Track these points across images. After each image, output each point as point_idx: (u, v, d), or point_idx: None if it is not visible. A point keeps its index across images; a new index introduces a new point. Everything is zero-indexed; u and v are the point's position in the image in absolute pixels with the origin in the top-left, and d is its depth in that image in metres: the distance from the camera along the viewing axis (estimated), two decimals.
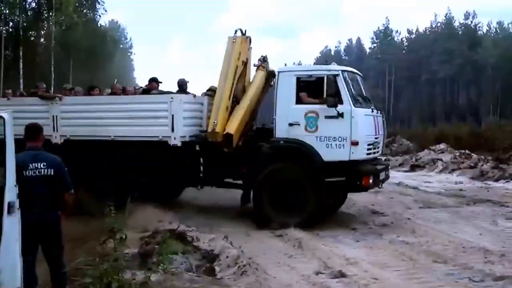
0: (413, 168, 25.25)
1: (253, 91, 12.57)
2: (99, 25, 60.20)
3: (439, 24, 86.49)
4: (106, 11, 57.42)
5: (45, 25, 48.86)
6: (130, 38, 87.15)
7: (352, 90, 11.50)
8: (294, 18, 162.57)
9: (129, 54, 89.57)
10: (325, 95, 11.26)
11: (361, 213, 13.27)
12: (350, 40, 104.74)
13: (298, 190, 11.39)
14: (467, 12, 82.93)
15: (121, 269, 6.19)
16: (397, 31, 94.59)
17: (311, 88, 11.64)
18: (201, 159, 12.48)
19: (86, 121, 12.93)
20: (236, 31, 12.51)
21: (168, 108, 12.05)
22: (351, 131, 11.08)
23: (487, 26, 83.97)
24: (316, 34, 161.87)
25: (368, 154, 11.54)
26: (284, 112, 11.62)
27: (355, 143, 11.09)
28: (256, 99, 12.71)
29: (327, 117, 11.22)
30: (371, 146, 11.64)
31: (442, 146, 27.77)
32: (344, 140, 11.13)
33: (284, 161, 11.67)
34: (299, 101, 11.57)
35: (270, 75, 12.92)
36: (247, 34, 12.63)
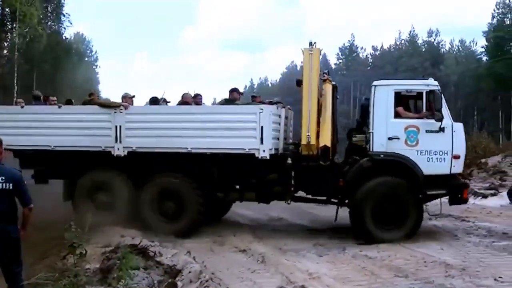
0: None
1: (329, 104, 12.35)
2: (64, 37, 59.67)
3: (403, 41, 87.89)
4: (71, 23, 57.12)
5: (9, 36, 48.19)
6: (96, 51, 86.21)
7: None
8: (260, 33, 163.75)
9: (94, 67, 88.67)
10: (424, 110, 11.61)
11: (325, 227, 13.27)
12: None
13: (400, 204, 11.44)
14: (430, 30, 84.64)
15: (81, 285, 6.09)
16: (362, 47, 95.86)
17: (403, 102, 11.91)
18: (293, 172, 12.06)
19: (157, 131, 12.24)
20: (311, 43, 12.45)
21: (257, 120, 11.69)
22: (452, 145, 11.38)
23: (450, 44, 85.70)
24: (282, 49, 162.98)
25: None
26: (382, 126, 11.63)
27: (457, 157, 11.44)
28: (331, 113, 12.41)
29: (427, 131, 11.43)
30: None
31: None
32: (445, 154, 11.39)
33: (384, 175, 11.57)
34: (396, 115, 11.65)
35: (334, 89, 13.02)
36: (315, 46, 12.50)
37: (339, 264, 9.48)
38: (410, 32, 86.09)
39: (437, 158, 11.40)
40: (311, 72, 12.22)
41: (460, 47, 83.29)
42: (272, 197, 12.57)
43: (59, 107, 13.08)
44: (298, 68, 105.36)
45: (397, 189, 11.51)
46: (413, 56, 79.28)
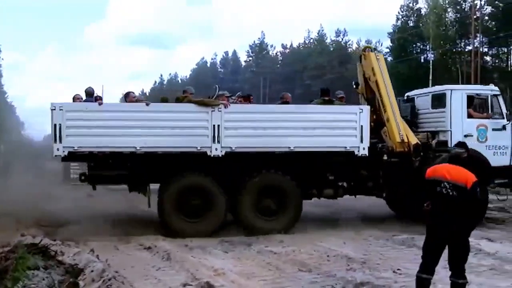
0: None
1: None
2: None
3: (312, 40, 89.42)
4: None
5: None
6: None
7: None
8: (170, 29, 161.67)
9: None
10: (489, 111, 13.70)
11: (231, 224, 13.22)
12: (226, 52, 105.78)
13: None
14: (338, 30, 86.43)
15: None
16: (272, 45, 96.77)
17: (470, 104, 13.70)
18: (381, 169, 13.06)
19: (257, 131, 12.08)
20: (368, 48, 14.58)
21: (357, 119, 12.37)
22: (511, 141, 13.61)
23: (357, 43, 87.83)
24: (193, 46, 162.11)
25: None
26: (459, 125, 13.46)
27: None
28: None
29: (493, 129, 13.58)
30: None
31: None
32: (506, 148, 13.66)
33: None
34: (469, 115, 13.57)
35: None
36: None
37: (244, 260, 9.56)
38: (319, 31, 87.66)
39: (500, 152, 13.62)
40: (384, 76, 13.56)
41: None
42: (365, 192, 13.44)
43: (147, 104, 12.27)
44: (208, 64, 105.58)
45: None
46: (321, 55, 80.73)
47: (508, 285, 7.86)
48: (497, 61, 60.08)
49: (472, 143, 12.33)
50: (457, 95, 13.69)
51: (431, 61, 56.58)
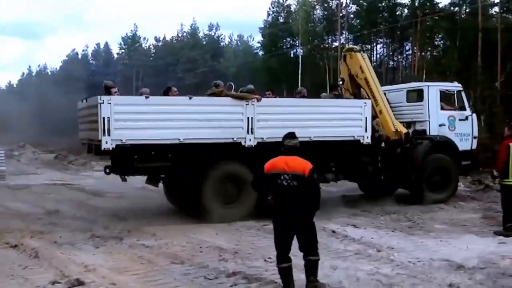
0: None
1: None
2: None
3: (185, 34, 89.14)
4: None
5: None
6: None
7: None
8: (40, 19, 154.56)
9: None
10: (456, 104, 16.21)
11: (103, 219, 13.08)
12: (98, 44, 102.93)
13: (446, 172, 15.44)
14: (211, 23, 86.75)
15: None
16: (145, 38, 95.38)
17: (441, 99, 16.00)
18: (380, 155, 14.92)
19: (284, 122, 12.73)
20: (351, 49, 16.54)
21: (362, 111, 14.09)
22: (472, 129, 16.30)
23: (229, 38, 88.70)
24: (64, 37, 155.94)
25: None
26: (434, 116, 15.79)
27: (475, 137, 16.46)
28: None
29: (460, 119, 16.07)
30: None
31: None
32: (469, 136, 16.24)
33: (437, 152, 15.59)
34: (441, 108, 15.89)
35: None
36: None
37: (116, 255, 9.39)
38: (192, 25, 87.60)
39: (465, 139, 16.14)
40: (371, 72, 15.64)
41: (238, 42, 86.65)
42: (365, 176, 15.18)
43: (190, 98, 12.60)
44: (80, 56, 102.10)
45: (445, 161, 15.65)
46: (194, 48, 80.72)
47: (371, 268, 8.29)
48: None
49: (445, 132, 15.83)
50: (433, 90, 15.95)
51: (300, 56, 58.23)
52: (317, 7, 61.31)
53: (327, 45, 60.59)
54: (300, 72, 53.63)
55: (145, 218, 12.87)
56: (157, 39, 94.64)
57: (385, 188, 15.96)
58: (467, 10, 48.54)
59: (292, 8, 65.10)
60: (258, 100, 12.95)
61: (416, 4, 51.68)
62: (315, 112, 13.73)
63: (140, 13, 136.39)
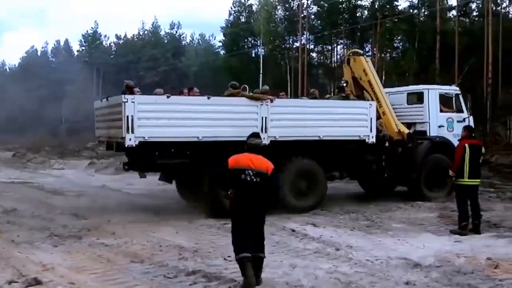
0: (118, 171, 25.40)
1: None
2: None
3: (146, 32, 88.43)
4: None
5: None
6: None
7: None
8: None
9: None
10: (454, 107, 16.83)
11: (62, 217, 12.94)
12: (58, 41, 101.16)
13: (444, 171, 14.05)
14: (172, 22, 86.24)
15: None
16: (105, 35, 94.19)
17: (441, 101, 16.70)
18: (384, 154, 15.57)
19: (296, 122, 13.86)
20: (356, 53, 17.14)
21: (368, 112, 14.73)
22: None
23: (191, 36, 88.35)
24: (23, 33, 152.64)
25: None
26: (434, 118, 16.46)
27: None
28: None
29: (458, 121, 16.48)
30: None
31: None
32: None
33: (436, 152, 16.03)
34: (440, 110, 16.58)
35: None
36: None
37: (75, 254, 9.29)
38: (153, 23, 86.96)
39: None
40: (374, 75, 16.34)
41: (200, 41, 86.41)
42: (369, 174, 15.79)
43: (208, 98, 13.19)
44: (39, 53, 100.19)
45: (443, 161, 15.52)
46: (155, 47, 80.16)
47: (330, 266, 8.39)
48: (322, 57, 63.56)
49: (444, 133, 16.49)
50: (433, 93, 16.67)
51: (261, 56, 58.39)
52: (278, 7, 61.51)
53: (288, 45, 60.87)
54: (261, 71, 53.76)
55: (105, 217, 12.75)
56: (118, 37, 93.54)
57: (385, 186, 16.79)
58: (426, 13, 49.49)
59: (254, 8, 65.21)
60: (272, 100, 13.60)
61: (376, 6, 52.37)
62: (324, 113, 14.41)
63: (101, 10, 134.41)
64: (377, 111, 15.47)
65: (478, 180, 11.44)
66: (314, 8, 59.21)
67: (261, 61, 56.16)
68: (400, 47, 51.80)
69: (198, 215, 12.97)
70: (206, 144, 12.75)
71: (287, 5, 60.54)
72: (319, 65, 63.68)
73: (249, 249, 7.23)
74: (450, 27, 45.22)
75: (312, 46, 60.67)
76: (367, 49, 56.24)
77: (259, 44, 62.27)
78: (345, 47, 58.47)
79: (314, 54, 62.61)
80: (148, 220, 12.51)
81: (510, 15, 46.58)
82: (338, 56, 60.84)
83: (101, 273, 8.13)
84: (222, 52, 71.97)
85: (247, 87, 14.41)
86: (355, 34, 54.34)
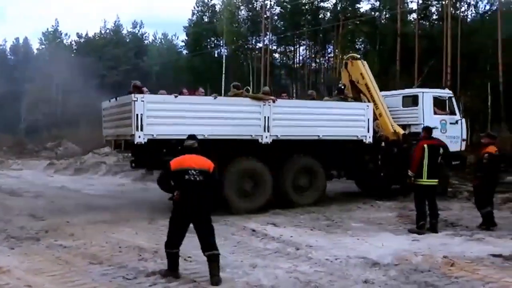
0: (78, 171, 25.14)
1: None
2: None
3: (108, 31, 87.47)
4: None
5: None
6: None
7: None
8: None
9: None
10: (447, 109, 17.44)
11: (19, 219, 12.72)
12: (17, 39, 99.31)
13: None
14: (135, 21, 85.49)
15: None
16: (66, 34, 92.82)
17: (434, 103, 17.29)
18: (380, 154, 16.08)
19: (297, 122, 14.46)
20: (353, 57, 17.75)
21: (365, 113, 15.40)
22: (461, 132, 17.75)
23: (153, 36, 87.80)
24: None
25: None
26: (429, 120, 16.47)
27: (464, 140, 17.98)
28: None
29: (451, 123, 17.33)
30: None
31: (106, 149, 28.15)
32: (458, 138, 17.58)
33: None
34: (434, 112, 17.16)
35: None
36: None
37: (32, 256, 9.12)
38: (115, 22, 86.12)
39: (455, 141, 17.40)
40: (371, 79, 16.88)
41: (162, 40, 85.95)
42: (366, 173, 16.36)
43: (214, 98, 13.89)
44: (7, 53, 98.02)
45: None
46: (117, 46, 79.39)
47: (290, 266, 8.42)
48: (284, 58, 63.89)
49: (437, 134, 16.00)
50: (427, 96, 17.30)
51: (224, 56, 58.34)
52: (241, 7, 61.69)
53: (251, 46, 60.99)
54: (224, 72, 53.72)
55: (63, 218, 12.61)
56: (79, 35, 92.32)
57: (381, 185, 17.01)
58: (387, 16, 50.16)
59: (217, 8, 65.22)
60: (274, 101, 14.14)
61: (338, 8, 52.89)
62: (324, 113, 14.95)
63: (62, 7, 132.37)
64: (374, 113, 16.08)
65: (436, 180, 11.61)
66: (277, 9, 59.59)
67: (224, 61, 56.11)
68: (362, 48, 52.37)
69: (158, 216, 12.87)
70: (211, 141, 12.99)
71: (250, 6, 60.77)
72: (281, 66, 64.02)
73: (179, 245, 7.74)
74: (410, 30, 45.97)
75: (274, 47, 60.98)
76: (329, 50, 56.90)
77: (222, 44, 62.29)
78: (307, 48, 58.96)
79: (276, 55, 62.98)
80: (107, 221, 12.39)
81: (468, 19, 47.52)
82: (301, 57, 61.36)
83: (59, 275, 7.99)
84: (184, 52, 71.77)
85: (249, 88, 15.16)
86: (318, 35, 54.84)
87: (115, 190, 18.24)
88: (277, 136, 14.08)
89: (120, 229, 11.40)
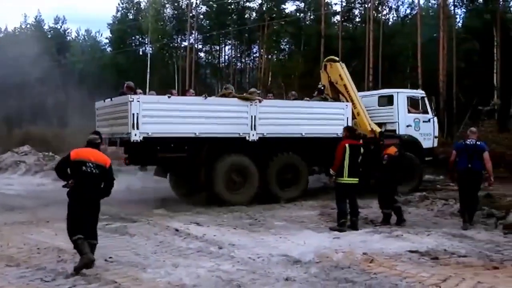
0: None
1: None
2: None
3: (29, 26, 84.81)
4: None
5: None
6: None
7: None
8: None
9: None
10: (420, 108, 18.67)
11: None
12: None
13: (411, 167, 17.03)
14: (57, 16, 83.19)
15: None
16: None
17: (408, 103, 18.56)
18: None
19: (281, 120, 15.50)
20: (334, 60, 18.76)
21: (344, 113, 16.37)
22: (433, 130, 18.88)
23: (76, 32, 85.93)
24: None
25: None
26: (403, 118, 18.22)
27: (436, 137, 19.14)
28: None
29: (424, 121, 18.57)
30: None
31: (26, 148, 27.35)
32: (430, 135, 18.79)
33: (405, 150, 15.61)
34: (408, 111, 18.37)
35: None
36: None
37: None
38: (37, 17, 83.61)
39: (428, 138, 18.65)
40: (349, 80, 17.87)
41: (86, 37, 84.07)
42: None
43: (205, 98, 14.76)
44: None
45: (412, 159, 17.29)
46: (39, 42, 77.14)
47: (212, 265, 8.43)
48: (210, 57, 63.86)
49: (412, 132, 18.31)
50: (402, 96, 18.53)
51: (149, 54, 57.81)
52: (167, 5, 61.24)
53: (176, 44, 60.62)
54: (148, 70, 53.21)
55: None
56: None
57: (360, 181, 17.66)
58: (311, 17, 51.00)
59: (142, 5, 64.55)
60: (260, 101, 15.20)
61: (264, 8, 53.31)
62: (306, 113, 16.05)
63: None
64: (352, 112, 16.98)
65: (357, 179, 11.86)
66: (203, 8, 59.61)
67: (148, 59, 55.65)
68: (287, 49, 53.15)
69: None
70: (202, 139, 14.33)
71: (176, 4, 60.42)
72: (207, 65, 63.97)
73: (81, 233, 7.92)
74: (334, 32, 46.93)
75: (200, 46, 60.96)
76: (254, 50, 57.29)
77: (147, 42, 61.61)
78: (233, 47, 59.14)
79: (202, 54, 62.99)
80: (26, 222, 12.05)
81: (390, 22, 48.97)
82: (226, 57, 61.46)
83: None
84: (108, 49, 70.49)
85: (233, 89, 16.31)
86: (243, 35, 55.18)
87: (34, 190, 17.75)
88: (263, 134, 15.12)
89: (39, 230, 11.10)
